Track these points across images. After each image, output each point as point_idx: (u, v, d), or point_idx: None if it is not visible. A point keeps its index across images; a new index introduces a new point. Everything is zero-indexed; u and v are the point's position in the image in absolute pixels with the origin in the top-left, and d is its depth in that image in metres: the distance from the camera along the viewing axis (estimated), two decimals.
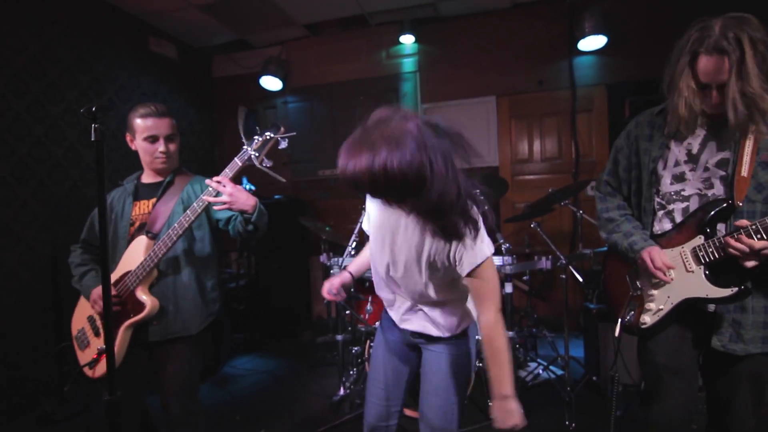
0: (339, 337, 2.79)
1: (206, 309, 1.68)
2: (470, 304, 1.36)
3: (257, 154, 1.45)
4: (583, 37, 3.46)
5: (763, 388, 1.27)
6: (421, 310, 1.33)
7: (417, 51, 4.07)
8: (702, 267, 1.25)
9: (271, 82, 4.18)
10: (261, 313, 3.94)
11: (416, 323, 1.36)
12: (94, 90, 3.23)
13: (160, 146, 1.64)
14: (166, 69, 3.95)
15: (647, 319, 1.35)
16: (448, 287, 1.28)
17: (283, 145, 1.48)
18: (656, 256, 1.29)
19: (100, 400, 1.84)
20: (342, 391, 2.69)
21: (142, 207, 1.70)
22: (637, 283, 1.40)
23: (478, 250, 1.14)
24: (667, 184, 1.34)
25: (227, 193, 1.45)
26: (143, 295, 1.57)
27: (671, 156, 1.33)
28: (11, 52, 2.70)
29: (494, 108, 3.92)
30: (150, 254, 1.55)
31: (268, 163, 1.47)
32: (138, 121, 1.62)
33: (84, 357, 1.71)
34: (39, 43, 2.86)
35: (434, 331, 1.33)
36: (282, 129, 1.47)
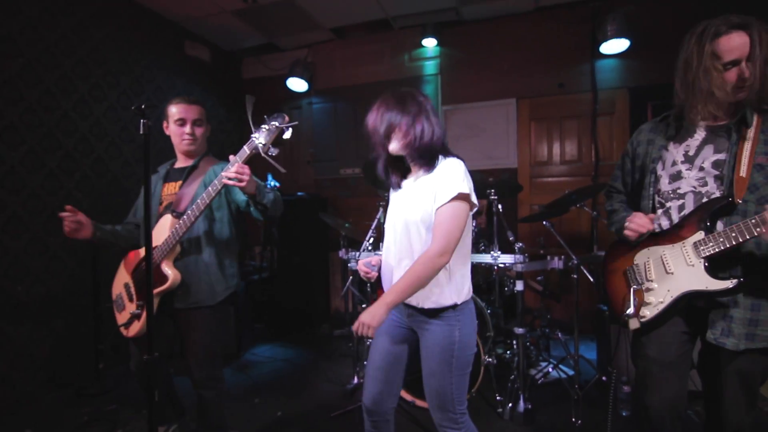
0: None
1: (225, 282, 1.84)
2: (463, 277, 1.44)
3: (263, 143, 1.52)
4: (606, 40, 3.46)
5: (753, 385, 1.31)
6: None
7: (439, 54, 4.16)
8: (702, 261, 1.29)
9: (297, 84, 4.35)
10: (282, 304, 4.10)
11: (418, 297, 1.41)
12: (134, 90, 3.47)
13: (187, 128, 1.83)
14: (199, 71, 4.18)
15: (647, 313, 1.38)
16: None
17: (287, 134, 1.53)
18: (637, 217, 1.40)
19: (130, 377, 2.05)
20: (356, 380, 2.80)
21: (170, 188, 1.89)
22: (639, 276, 1.44)
23: (454, 186, 1.33)
24: (665, 184, 1.41)
25: (246, 177, 1.53)
26: (167, 269, 1.74)
27: (669, 157, 1.41)
28: (62, 54, 2.95)
29: (514, 110, 3.96)
30: (173, 231, 1.70)
31: (273, 151, 1.52)
32: (171, 108, 1.85)
33: (121, 319, 1.91)
34: (87, 46, 3.10)
35: (429, 302, 1.39)
36: (286, 118, 1.52)
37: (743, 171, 1.26)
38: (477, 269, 3.01)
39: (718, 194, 1.31)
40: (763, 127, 1.27)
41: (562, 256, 2.55)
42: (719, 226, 1.30)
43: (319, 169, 4.60)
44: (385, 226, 1.54)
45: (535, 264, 2.59)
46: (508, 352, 2.87)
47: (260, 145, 1.52)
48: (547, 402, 2.53)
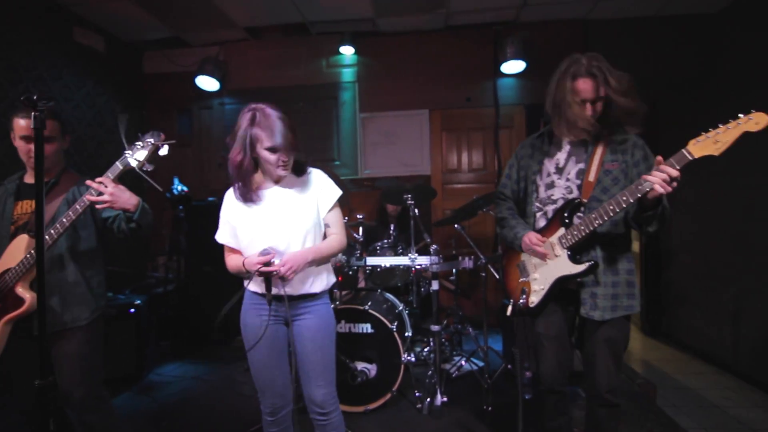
0: None
1: (94, 302, 1.74)
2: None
3: (138, 160, 1.53)
4: (506, 60, 3.85)
5: (618, 349, 1.61)
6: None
7: (356, 62, 4.24)
8: (565, 251, 1.59)
9: (207, 83, 4.12)
10: (191, 318, 3.82)
11: (297, 282, 1.57)
12: (8, 79, 2.99)
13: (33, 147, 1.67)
14: (91, 61, 3.74)
15: (534, 299, 1.68)
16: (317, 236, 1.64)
17: (163, 151, 1.55)
18: (532, 236, 1.64)
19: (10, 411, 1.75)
20: None
21: (25, 206, 1.73)
22: (525, 270, 1.72)
23: (334, 189, 1.66)
24: (542, 192, 1.71)
25: (108, 193, 1.54)
26: (23, 291, 1.60)
27: (545, 170, 1.71)
28: None
29: (427, 120, 4.19)
30: (31, 252, 1.59)
31: (148, 167, 1.55)
32: (19, 121, 1.67)
33: None
34: None
35: (318, 287, 1.61)
36: (162, 136, 1.56)
37: (591, 176, 1.58)
38: (395, 271, 3.12)
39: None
40: (610, 140, 1.59)
41: (472, 257, 2.76)
42: (577, 221, 1.58)
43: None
44: (258, 230, 1.57)
45: (449, 264, 2.77)
46: (426, 349, 3.01)
47: (134, 162, 1.54)
48: (461, 393, 2.71)
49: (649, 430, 2.28)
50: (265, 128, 1.50)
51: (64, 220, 1.57)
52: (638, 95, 1.50)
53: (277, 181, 1.61)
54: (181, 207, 3.78)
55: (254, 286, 1.62)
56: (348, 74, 4.27)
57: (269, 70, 4.31)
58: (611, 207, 1.46)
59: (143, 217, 1.65)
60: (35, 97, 0.97)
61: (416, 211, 2.77)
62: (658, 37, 3.79)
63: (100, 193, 1.55)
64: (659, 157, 1.37)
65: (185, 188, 3.80)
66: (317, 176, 1.67)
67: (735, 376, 3.03)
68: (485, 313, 2.79)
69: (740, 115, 1.30)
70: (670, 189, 1.33)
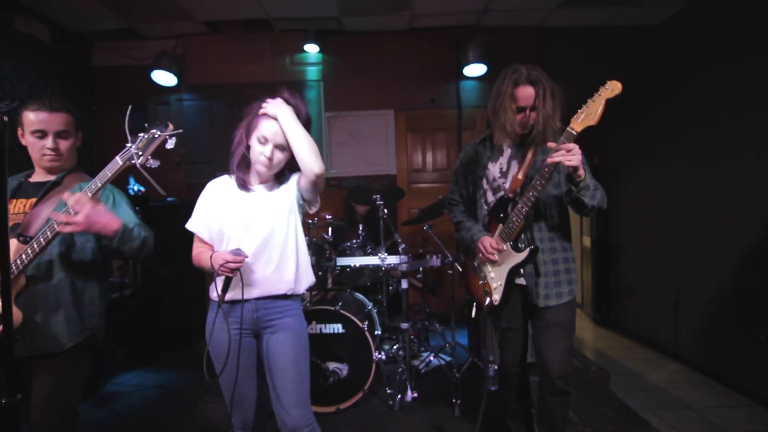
0: None
1: (81, 323, 1.52)
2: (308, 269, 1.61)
3: (141, 153, 1.36)
4: (468, 64, 3.96)
5: (568, 333, 1.74)
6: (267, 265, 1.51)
7: (321, 60, 4.21)
8: (508, 244, 1.70)
9: (163, 77, 3.94)
10: (150, 323, 3.66)
11: (263, 284, 1.49)
12: None
13: (48, 142, 1.53)
14: (34, 52, 3.47)
15: (497, 297, 1.76)
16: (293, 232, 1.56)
17: (170, 144, 1.40)
18: (486, 242, 1.73)
19: None
20: None
21: (18, 206, 1.54)
22: (482, 270, 1.81)
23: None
24: (490, 196, 1.81)
25: (80, 219, 1.33)
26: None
27: (490, 174, 1.80)
28: None
29: (392, 121, 4.24)
30: (21, 257, 1.40)
31: (154, 163, 1.38)
32: (28, 115, 1.52)
33: None
34: None
35: (281, 286, 1.50)
36: (170, 126, 1.40)
37: (520, 174, 1.69)
38: (364, 271, 3.14)
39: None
40: (540, 148, 1.69)
41: (440, 255, 2.84)
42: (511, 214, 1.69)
43: (192, 171, 4.23)
44: (233, 224, 1.51)
45: (417, 263, 2.83)
46: (395, 346, 3.07)
47: (138, 155, 1.35)
48: (430, 388, 2.78)
49: (604, 414, 2.46)
50: (268, 118, 1.49)
51: (56, 226, 1.38)
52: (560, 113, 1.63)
53: (264, 181, 1.57)
54: (138, 208, 3.58)
55: (213, 292, 1.53)
56: (313, 72, 4.22)
57: (230, 65, 4.18)
58: (530, 193, 1.58)
59: (124, 244, 1.44)
60: None
61: (385, 211, 2.81)
62: (606, 44, 4.04)
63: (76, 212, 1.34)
64: (549, 144, 1.55)
65: (142, 188, 3.63)
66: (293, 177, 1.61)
67: (676, 360, 3.32)
68: (453, 309, 2.88)
69: (600, 87, 1.49)
70: (571, 159, 1.47)
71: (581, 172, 1.53)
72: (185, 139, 4.22)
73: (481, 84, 4.20)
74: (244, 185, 1.55)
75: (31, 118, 1.51)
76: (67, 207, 1.36)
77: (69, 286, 1.50)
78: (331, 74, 4.22)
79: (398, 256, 2.69)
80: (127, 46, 4.10)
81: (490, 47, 3.97)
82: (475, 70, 4.02)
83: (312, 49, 4.08)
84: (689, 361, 3.21)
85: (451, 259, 2.82)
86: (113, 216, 1.43)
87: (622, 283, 4.15)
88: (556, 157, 1.49)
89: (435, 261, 2.79)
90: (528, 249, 1.66)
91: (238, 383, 1.50)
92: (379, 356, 2.58)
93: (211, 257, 1.44)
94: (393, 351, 3.05)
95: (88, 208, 1.34)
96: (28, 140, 1.55)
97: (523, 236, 1.71)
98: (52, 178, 1.58)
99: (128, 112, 1.42)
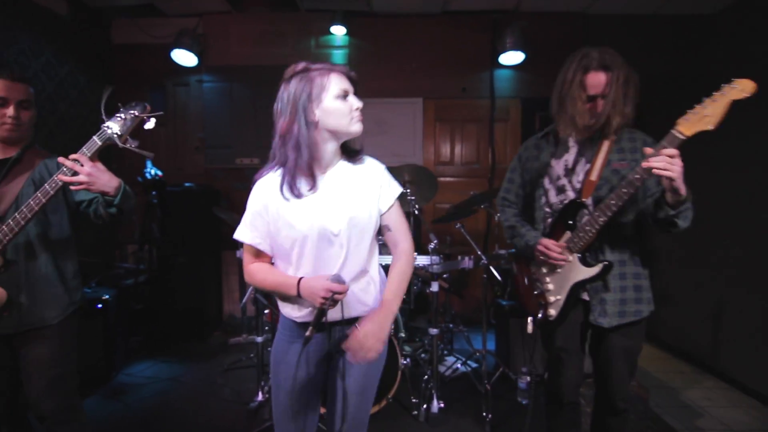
0: (259, 339, 2.62)
1: (68, 297, 1.58)
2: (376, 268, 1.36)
3: (119, 134, 1.36)
4: (504, 51, 3.71)
5: (631, 356, 1.55)
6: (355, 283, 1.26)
7: (348, 43, 3.99)
8: (576, 255, 1.49)
9: (184, 57, 3.78)
10: (164, 313, 3.55)
11: (352, 302, 1.24)
12: None
13: (10, 110, 1.47)
14: (52, 26, 3.33)
15: (553, 312, 1.57)
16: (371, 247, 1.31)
17: (149, 125, 1.39)
18: (549, 243, 1.51)
19: None
20: (260, 396, 2.53)
21: None
22: (538, 282, 1.60)
23: (395, 184, 1.33)
24: (553, 196, 1.59)
25: (84, 173, 1.34)
26: None
27: (553, 172, 1.59)
28: None
29: (421, 109, 4.02)
30: None
31: (133, 143, 1.39)
32: None
33: None
34: None
35: (369, 301, 1.28)
36: (147, 107, 1.39)
37: (594, 175, 1.48)
38: None
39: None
40: (617, 138, 1.50)
41: (472, 256, 2.65)
42: (583, 222, 1.47)
43: (210, 156, 4.08)
44: (299, 235, 1.21)
45: (449, 264, 2.64)
46: (419, 350, 2.90)
47: (114, 135, 1.35)
48: (457, 398, 2.61)
49: None
50: (322, 75, 1.19)
51: (32, 203, 1.37)
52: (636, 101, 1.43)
53: (327, 166, 1.26)
54: (154, 192, 3.47)
55: (295, 311, 1.27)
56: (339, 56, 4.01)
57: (253, 47, 3.99)
58: (612, 201, 1.38)
59: (125, 202, 1.45)
60: None
61: (417, 207, 2.62)
62: (655, 35, 3.74)
63: (75, 173, 1.34)
64: (646, 149, 1.32)
65: (159, 172, 3.49)
66: (376, 166, 1.32)
67: (713, 374, 3.10)
68: (485, 313, 2.69)
69: (723, 85, 1.25)
70: (672, 169, 1.23)
71: (683, 189, 1.26)
72: (204, 123, 4.07)
73: (518, 74, 3.94)
74: (297, 191, 1.21)
75: None
76: (63, 168, 1.35)
77: (52, 265, 1.54)
78: (358, 58, 4.00)
79: (428, 257, 2.50)
80: (148, 24, 3.94)
81: (528, 34, 3.71)
82: (511, 58, 3.76)
83: (339, 31, 3.86)
84: (728, 377, 2.99)
85: (485, 261, 2.62)
86: (113, 175, 1.42)
87: (656, 291, 3.91)
88: (654, 163, 1.25)
89: (468, 263, 2.60)
90: (601, 264, 1.45)
91: (296, 415, 1.31)
92: (405, 362, 2.42)
93: (299, 284, 1.17)
94: (418, 354, 2.88)
95: (89, 166, 1.35)
96: None
97: (594, 250, 1.50)
98: (11, 154, 1.52)
99: (106, 93, 1.41)
